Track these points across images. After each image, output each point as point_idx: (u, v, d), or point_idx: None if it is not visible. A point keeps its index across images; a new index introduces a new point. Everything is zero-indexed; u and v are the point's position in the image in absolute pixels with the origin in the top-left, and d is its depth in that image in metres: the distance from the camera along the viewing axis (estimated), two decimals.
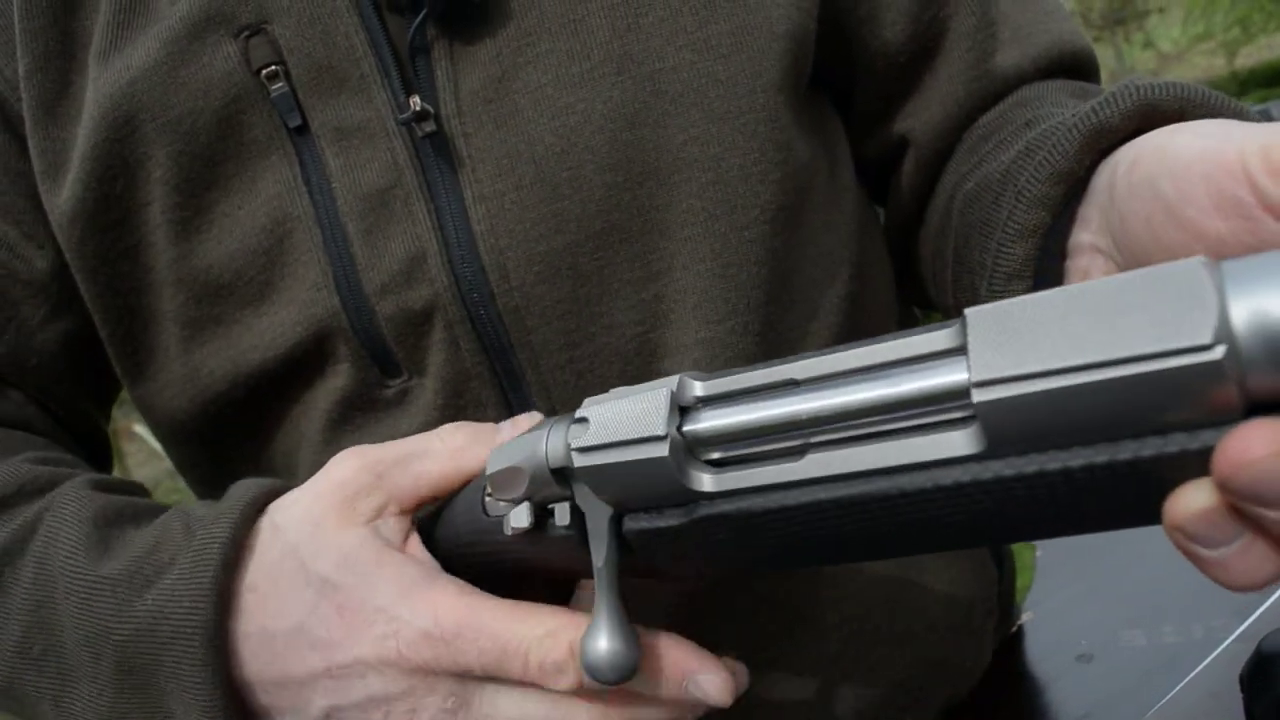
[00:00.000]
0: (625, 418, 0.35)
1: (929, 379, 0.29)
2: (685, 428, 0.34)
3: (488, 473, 0.42)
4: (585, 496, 0.38)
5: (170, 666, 0.43)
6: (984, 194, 0.51)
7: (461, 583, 0.42)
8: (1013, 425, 0.27)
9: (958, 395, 0.29)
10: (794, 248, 0.57)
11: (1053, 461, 0.27)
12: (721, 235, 0.54)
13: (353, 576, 0.42)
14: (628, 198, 0.53)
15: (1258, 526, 0.25)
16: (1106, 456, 0.26)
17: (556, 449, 0.38)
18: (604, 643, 0.38)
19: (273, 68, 0.53)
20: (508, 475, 0.40)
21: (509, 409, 0.54)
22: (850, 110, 0.65)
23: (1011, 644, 0.73)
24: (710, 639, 0.53)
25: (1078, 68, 0.62)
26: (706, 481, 0.34)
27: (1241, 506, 0.24)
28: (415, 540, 0.45)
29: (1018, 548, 0.87)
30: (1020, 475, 0.28)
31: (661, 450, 0.34)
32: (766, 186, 0.54)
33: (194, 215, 0.55)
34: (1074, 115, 0.43)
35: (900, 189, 0.65)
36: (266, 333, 0.55)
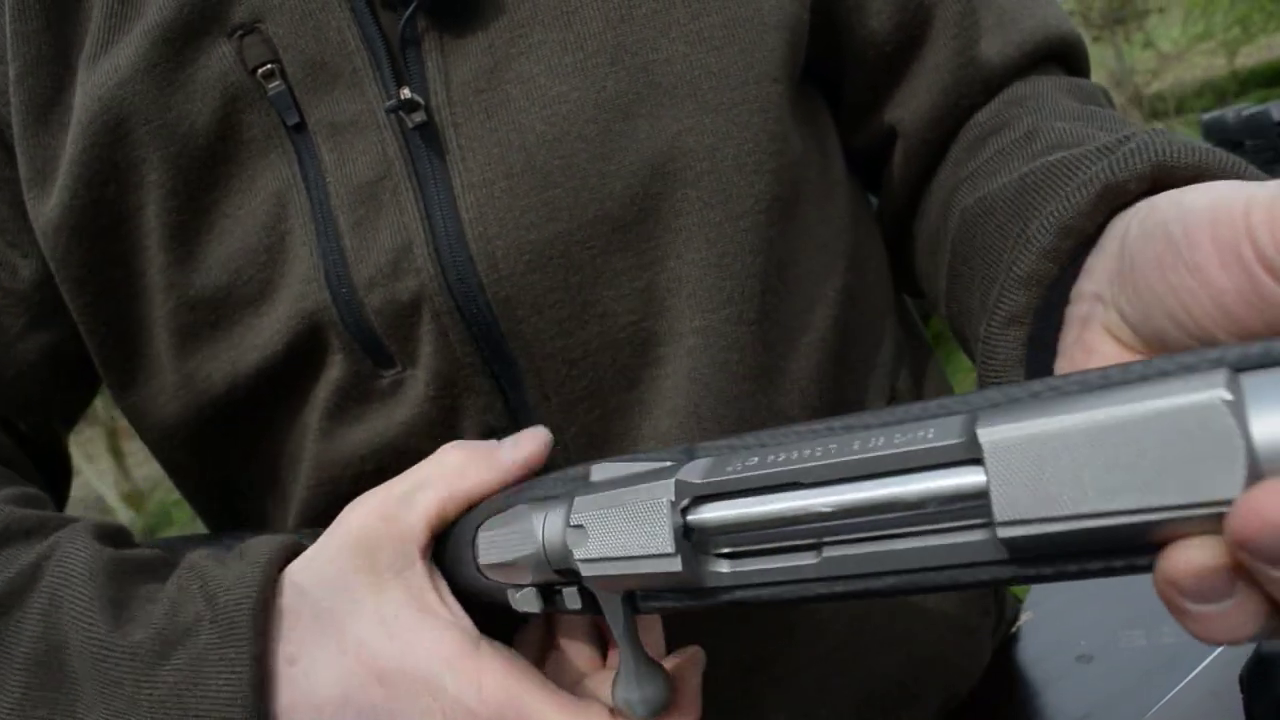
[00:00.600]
0: (627, 533, 0.34)
1: (939, 480, 0.28)
2: (691, 519, 0.33)
3: (481, 561, 0.42)
4: (595, 584, 0.38)
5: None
6: (986, 219, 0.50)
7: (504, 651, 0.42)
8: (1036, 549, 0.27)
9: (976, 496, 0.28)
10: (789, 239, 0.57)
11: (1072, 564, 0.27)
12: (716, 225, 0.54)
13: (391, 644, 0.42)
14: (620, 186, 0.53)
15: (1256, 586, 0.24)
16: (1124, 562, 0.27)
17: (556, 548, 0.38)
18: (637, 691, 0.39)
19: (268, 66, 0.52)
20: (507, 570, 0.41)
21: (504, 398, 0.54)
22: (839, 101, 0.65)
23: (1011, 644, 0.73)
24: (711, 638, 0.53)
25: (1066, 54, 0.62)
26: (723, 573, 0.34)
27: (1253, 566, 0.24)
28: (444, 587, 0.45)
29: None
30: (1039, 575, 0.28)
31: (674, 565, 0.33)
32: (761, 177, 0.54)
33: (191, 218, 0.54)
34: (1088, 170, 0.42)
35: (891, 179, 0.65)
36: (263, 333, 0.55)
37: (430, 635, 0.42)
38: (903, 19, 0.61)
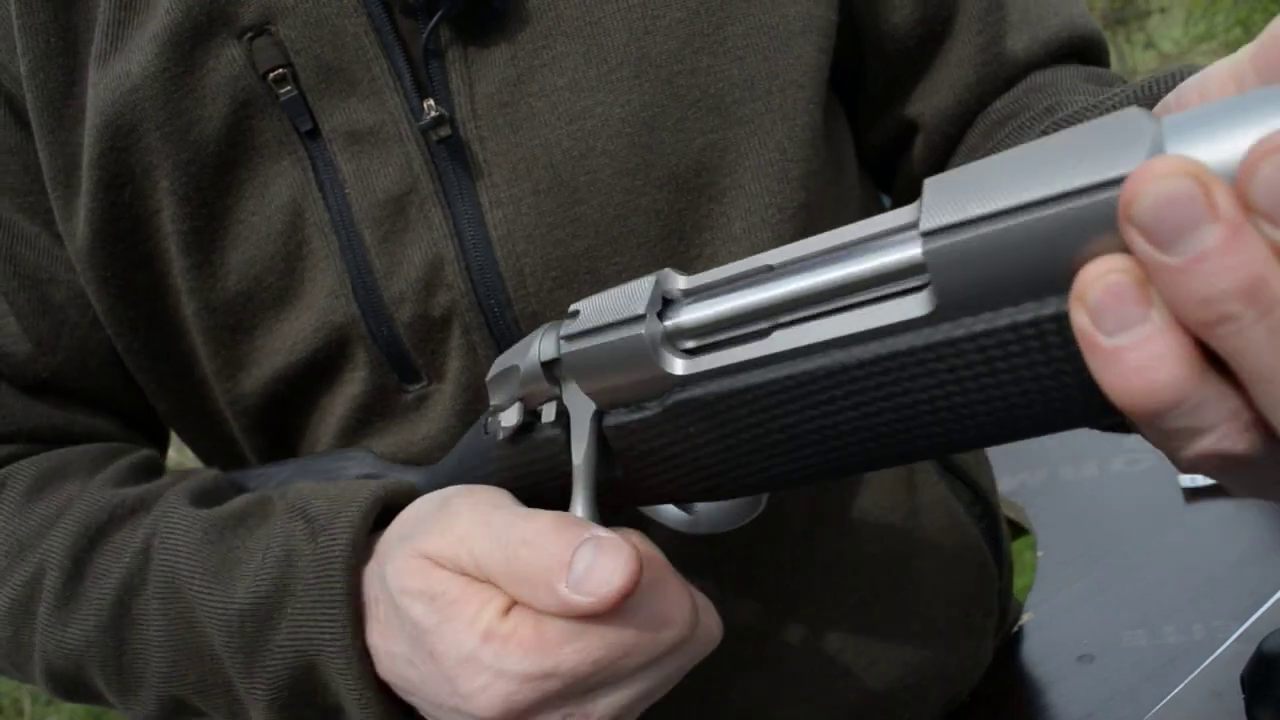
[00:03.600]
0: (611, 304, 0.37)
1: (889, 254, 0.30)
2: (667, 321, 0.36)
3: (488, 379, 0.44)
4: (572, 395, 0.39)
5: (329, 677, 0.45)
6: None
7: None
8: (961, 280, 0.28)
9: (917, 269, 0.29)
10: None
11: (1000, 318, 0.28)
12: (738, 238, 0.54)
13: (436, 617, 0.40)
14: (645, 202, 0.53)
15: (1167, 310, 0.24)
16: (1053, 309, 0.27)
17: (548, 345, 0.40)
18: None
19: (280, 71, 0.51)
20: (503, 375, 0.42)
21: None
22: (856, 95, 0.65)
23: (1012, 644, 0.73)
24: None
25: (1088, 51, 0.62)
26: (678, 365, 0.35)
27: (1147, 255, 0.24)
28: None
29: (1018, 548, 0.87)
30: (970, 334, 0.28)
31: (639, 329, 0.35)
32: (787, 185, 0.54)
33: (206, 224, 0.54)
34: (1114, 104, 0.42)
35: (909, 174, 0.65)
36: (287, 339, 0.55)
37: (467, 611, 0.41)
38: (926, 13, 0.60)
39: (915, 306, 0.29)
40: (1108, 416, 0.28)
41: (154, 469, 0.59)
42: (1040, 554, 0.86)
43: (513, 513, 0.40)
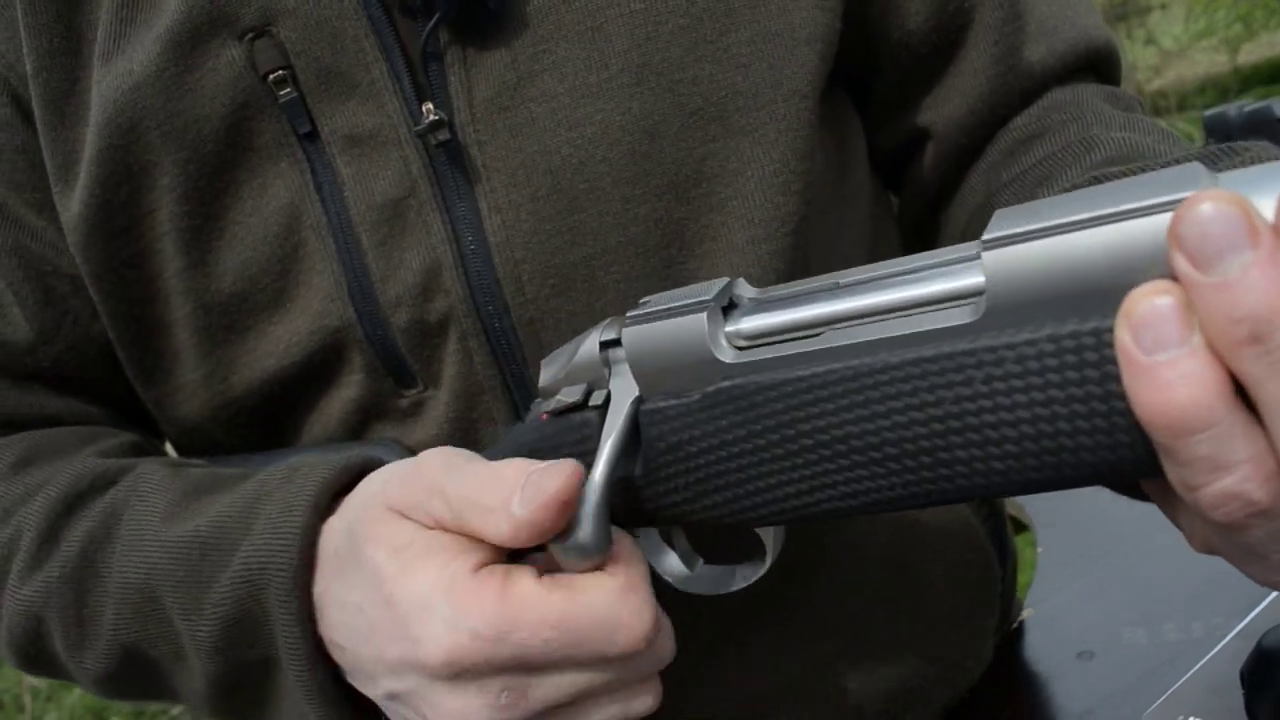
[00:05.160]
0: (681, 293, 0.39)
1: (952, 280, 0.31)
2: (729, 320, 0.37)
3: (542, 363, 0.45)
4: (620, 381, 0.40)
5: (267, 611, 0.45)
6: None
7: (511, 566, 0.40)
8: (1013, 289, 0.29)
9: (976, 294, 0.30)
10: (810, 255, 0.56)
11: (1042, 330, 0.29)
12: (740, 248, 0.53)
13: (400, 567, 0.41)
14: (645, 211, 0.52)
15: (1206, 337, 0.26)
16: (1093, 324, 0.28)
17: (612, 327, 0.41)
18: (577, 530, 0.39)
19: (280, 72, 0.51)
20: (555, 359, 0.44)
21: (520, 423, 0.54)
22: (868, 99, 0.64)
23: (1012, 641, 0.73)
24: (712, 636, 0.53)
25: (1101, 64, 0.62)
26: (728, 354, 0.36)
27: (1183, 270, 0.26)
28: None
29: (1018, 545, 0.87)
30: (1011, 343, 0.29)
31: (701, 313, 0.36)
32: (788, 198, 0.54)
33: (204, 223, 0.54)
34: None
35: (919, 181, 0.64)
36: (281, 341, 0.55)
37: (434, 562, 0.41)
38: (941, 20, 0.59)
39: (962, 315, 0.31)
40: (1129, 465, 0.29)
41: (143, 450, 0.60)
42: (1040, 551, 0.86)
43: (484, 461, 0.41)
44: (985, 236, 0.29)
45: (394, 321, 0.53)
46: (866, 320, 0.33)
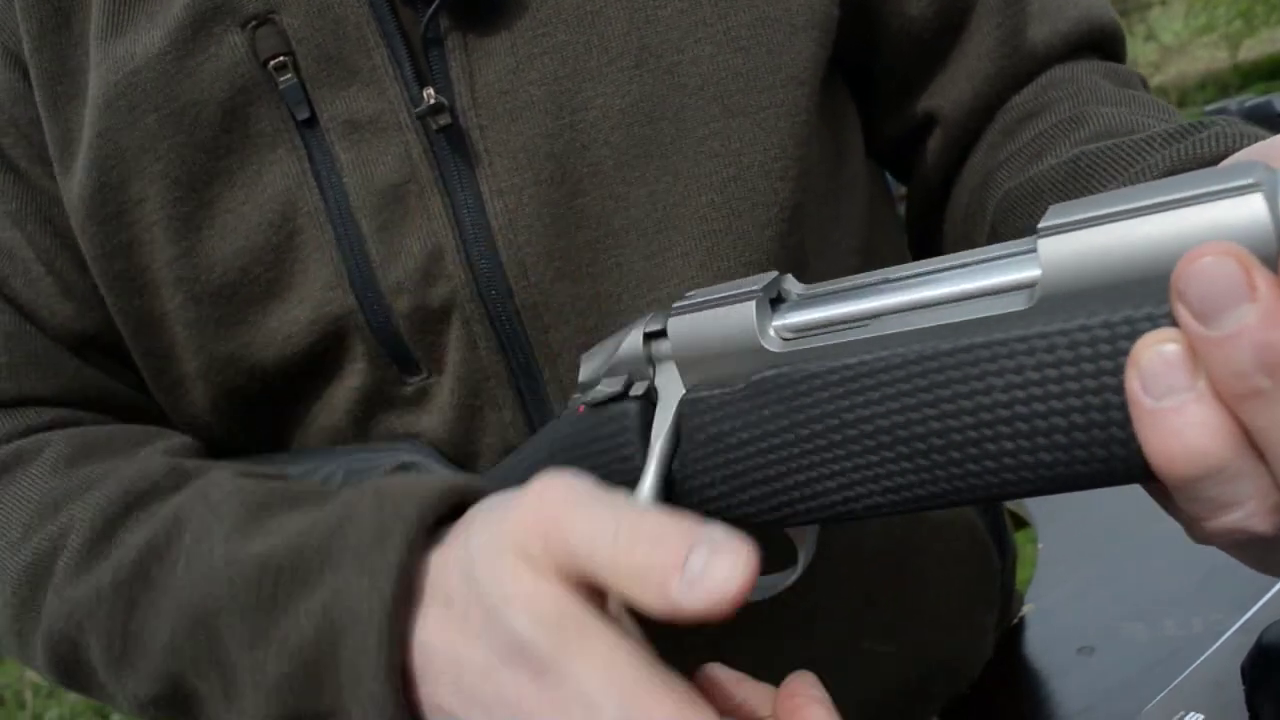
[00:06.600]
0: (728, 285, 0.38)
1: (1005, 274, 0.31)
2: (776, 314, 0.37)
3: (581, 359, 0.44)
4: (665, 377, 0.40)
5: (344, 657, 0.38)
6: (1034, 201, 0.50)
7: (671, 675, 0.34)
8: (1067, 277, 0.29)
9: (1028, 284, 0.30)
10: (806, 242, 0.56)
11: (1096, 316, 0.29)
12: (742, 233, 0.53)
13: (553, 643, 0.34)
14: (645, 193, 0.52)
15: (1211, 385, 0.26)
16: (1146, 311, 0.28)
17: (657, 318, 0.40)
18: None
19: (281, 59, 0.51)
20: (597, 352, 0.43)
21: (524, 409, 0.54)
22: (869, 88, 0.64)
23: (1012, 636, 0.73)
24: (713, 634, 0.53)
25: (1105, 43, 0.62)
26: (774, 344, 0.36)
27: (1186, 322, 0.26)
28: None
29: (1018, 540, 0.87)
30: (1064, 329, 0.29)
31: (749, 303, 0.36)
32: (786, 183, 0.54)
33: (195, 210, 0.54)
34: (1152, 157, 0.43)
35: (925, 167, 0.64)
36: (281, 331, 0.54)
37: (599, 644, 0.34)
38: (943, 5, 0.59)
39: (1015, 302, 0.31)
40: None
41: (199, 452, 0.57)
42: (1040, 546, 0.86)
43: (613, 499, 0.34)
44: (1040, 225, 0.29)
45: (396, 308, 0.52)
46: (917, 311, 0.33)
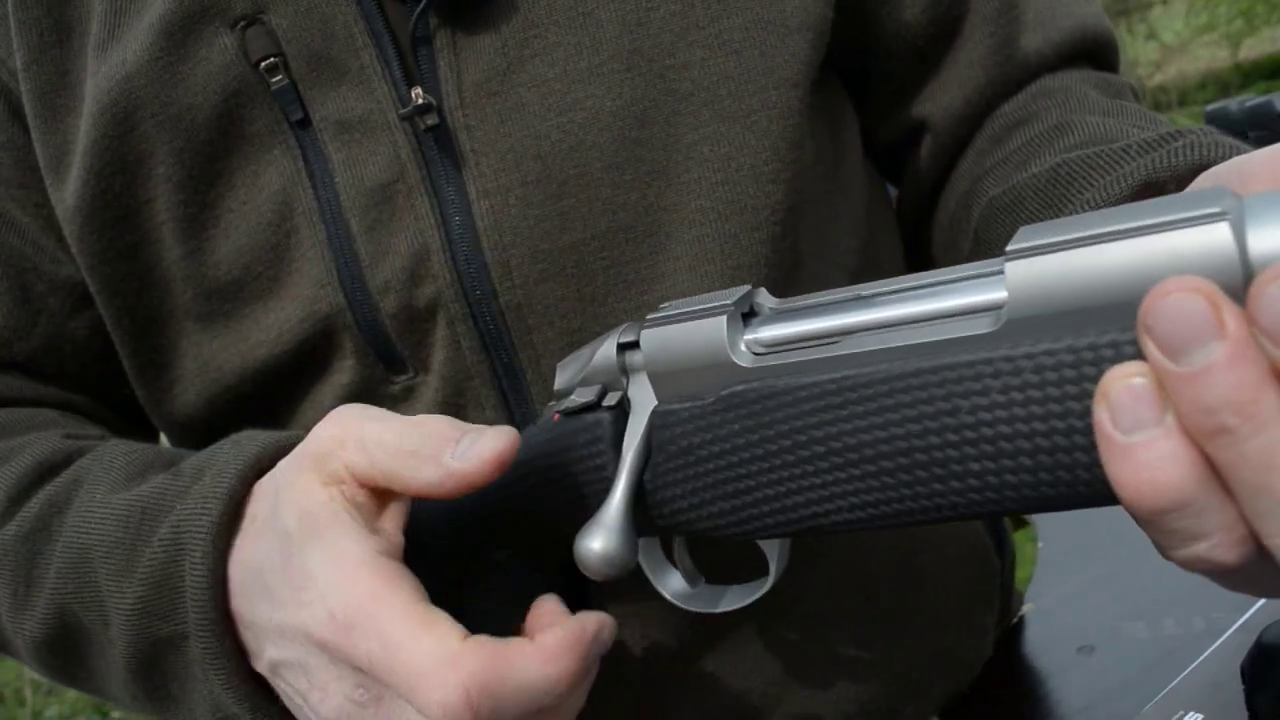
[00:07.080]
0: (700, 299, 0.39)
1: (974, 294, 0.32)
2: (748, 328, 0.37)
3: (558, 366, 0.45)
4: (638, 389, 0.40)
5: (185, 577, 0.44)
6: (1016, 209, 0.50)
7: (396, 570, 0.39)
8: (1033, 300, 0.29)
9: (996, 306, 0.31)
10: (801, 244, 0.56)
11: (1061, 341, 0.29)
12: (731, 236, 0.53)
13: (303, 533, 0.40)
14: (635, 197, 0.52)
15: (1179, 419, 0.26)
16: (1111, 337, 0.28)
17: (630, 329, 0.41)
18: (604, 541, 0.38)
19: (272, 60, 0.51)
20: (571, 362, 0.43)
21: (508, 409, 0.54)
22: (864, 92, 0.64)
23: (1012, 636, 0.73)
24: (712, 635, 0.53)
25: (1099, 52, 0.62)
26: (745, 359, 0.36)
27: (1154, 357, 0.26)
28: (391, 514, 0.41)
29: (1018, 540, 0.87)
30: (1029, 354, 0.29)
31: (721, 317, 0.37)
32: (778, 186, 0.53)
33: (199, 211, 0.54)
34: (1128, 165, 0.43)
35: (916, 173, 0.64)
36: (273, 328, 0.55)
37: (333, 535, 0.39)
38: (937, 12, 0.59)
39: (982, 324, 0.31)
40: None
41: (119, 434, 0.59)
42: (1040, 546, 0.86)
43: (399, 415, 0.41)
44: (1009, 248, 0.29)
45: (383, 307, 0.53)
46: (886, 330, 0.33)
